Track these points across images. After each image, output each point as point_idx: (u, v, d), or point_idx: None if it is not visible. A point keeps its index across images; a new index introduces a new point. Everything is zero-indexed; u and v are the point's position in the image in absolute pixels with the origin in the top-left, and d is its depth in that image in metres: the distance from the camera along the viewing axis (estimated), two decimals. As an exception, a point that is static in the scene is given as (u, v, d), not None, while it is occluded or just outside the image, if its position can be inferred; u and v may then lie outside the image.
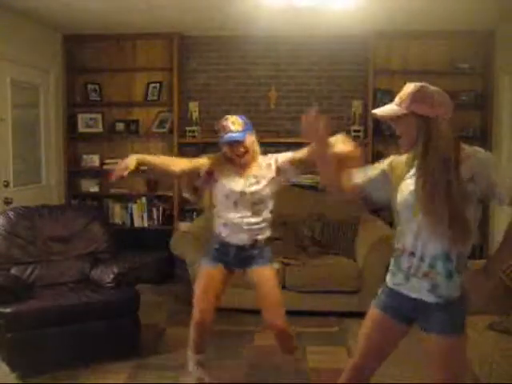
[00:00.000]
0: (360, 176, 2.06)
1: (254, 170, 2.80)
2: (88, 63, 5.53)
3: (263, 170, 2.80)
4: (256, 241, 2.79)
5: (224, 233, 2.80)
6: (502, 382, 2.39)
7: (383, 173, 2.01)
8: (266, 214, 2.81)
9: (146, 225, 5.49)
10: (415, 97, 1.80)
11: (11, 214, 3.76)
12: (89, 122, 5.53)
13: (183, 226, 5.12)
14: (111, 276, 3.50)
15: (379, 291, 2.05)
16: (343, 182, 2.06)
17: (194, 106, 5.44)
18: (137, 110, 5.58)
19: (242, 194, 2.74)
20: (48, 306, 3.26)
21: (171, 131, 5.41)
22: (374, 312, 2.03)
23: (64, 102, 5.44)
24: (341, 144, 2.27)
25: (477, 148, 1.84)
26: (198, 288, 2.85)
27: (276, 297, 2.81)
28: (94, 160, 5.53)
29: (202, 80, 5.52)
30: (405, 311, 1.95)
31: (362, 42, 5.27)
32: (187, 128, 5.38)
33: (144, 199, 5.49)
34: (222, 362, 3.39)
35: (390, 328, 1.99)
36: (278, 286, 2.86)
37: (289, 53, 5.39)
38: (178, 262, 4.89)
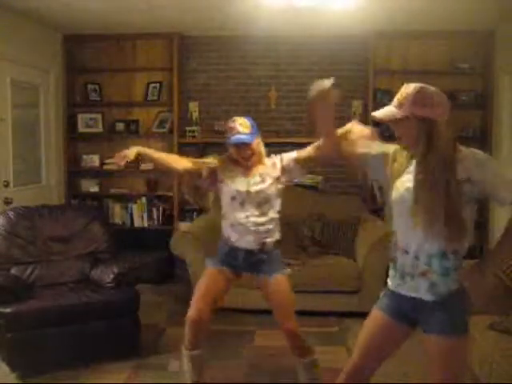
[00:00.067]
0: (365, 147, 2.07)
1: (259, 169, 2.80)
2: (88, 63, 5.53)
3: (268, 169, 2.80)
4: (264, 244, 2.77)
5: (233, 237, 2.78)
6: (502, 381, 2.39)
7: (386, 156, 2.01)
8: (273, 214, 2.79)
9: (145, 225, 5.49)
10: (416, 99, 1.80)
11: (11, 213, 3.76)
12: (89, 122, 5.54)
13: (183, 226, 5.12)
14: (111, 276, 3.50)
15: (381, 294, 2.06)
16: (345, 147, 2.08)
17: (194, 106, 5.45)
18: (137, 110, 5.58)
19: (248, 193, 2.73)
20: (48, 305, 3.26)
21: (171, 131, 5.41)
22: (375, 313, 2.04)
23: (64, 101, 5.44)
24: (357, 130, 2.24)
25: (474, 150, 1.84)
26: (199, 288, 2.84)
27: (289, 302, 2.79)
28: (94, 160, 5.53)
29: (202, 80, 5.52)
30: (405, 311, 1.95)
31: (362, 41, 5.27)
32: (187, 128, 5.38)
33: (144, 199, 5.49)
34: (221, 362, 3.40)
35: (391, 329, 1.99)
36: (291, 290, 2.81)
37: (289, 53, 5.40)
38: (178, 262, 4.90)
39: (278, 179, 2.79)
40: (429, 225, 1.80)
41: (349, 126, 2.21)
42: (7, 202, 4.32)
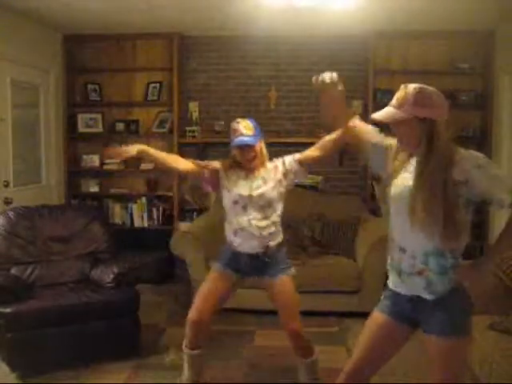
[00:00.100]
0: (372, 133, 2.09)
1: (261, 172, 2.79)
2: (88, 63, 5.53)
3: (270, 173, 2.79)
4: (268, 247, 2.76)
5: (236, 242, 2.77)
6: (502, 381, 2.39)
7: (389, 150, 2.01)
8: (275, 218, 2.79)
9: (146, 225, 5.49)
10: (416, 99, 1.80)
11: (11, 213, 3.77)
12: (89, 122, 5.54)
13: (183, 226, 5.12)
14: (111, 276, 3.50)
15: (382, 296, 2.06)
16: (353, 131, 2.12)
17: (194, 106, 5.45)
18: (137, 110, 5.58)
19: (250, 197, 2.72)
20: (48, 305, 3.26)
21: (171, 131, 5.41)
22: (376, 315, 2.04)
23: (64, 101, 5.44)
24: (360, 125, 2.25)
25: (472, 152, 1.84)
26: (202, 289, 2.84)
27: (294, 302, 2.79)
28: (93, 160, 5.53)
29: (202, 80, 5.52)
30: (405, 311, 1.96)
31: (362, 41, 5.27)
32: (187, 128, 5.38)
33: (144, 199, 5.49)
34: (221, 362, 3.40)
35: (392, 330, 1.99)
36: (296, 291, 2.81)
37: (289, 53, 5.39)
38: (178, 262, 4.90)
39: (280, 182, 2.78)
40: (427, 224, 1.80)
41: (350, 122, 2.22)
42: (7, 202, 4.32)
